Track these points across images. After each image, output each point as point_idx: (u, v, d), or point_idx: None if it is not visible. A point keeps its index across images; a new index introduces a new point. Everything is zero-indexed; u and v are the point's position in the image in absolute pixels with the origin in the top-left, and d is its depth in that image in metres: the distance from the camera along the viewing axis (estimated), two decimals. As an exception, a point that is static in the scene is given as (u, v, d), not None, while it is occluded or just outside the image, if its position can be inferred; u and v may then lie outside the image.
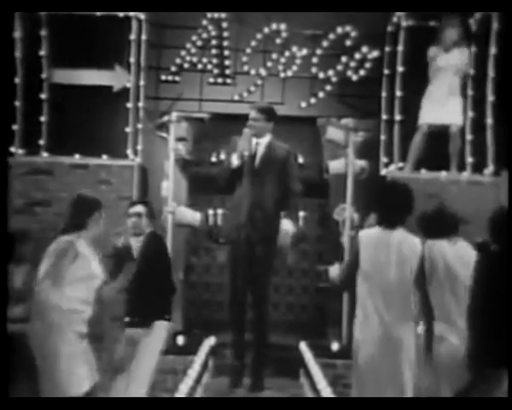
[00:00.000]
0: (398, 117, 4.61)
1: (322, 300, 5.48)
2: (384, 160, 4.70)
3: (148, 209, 3.17)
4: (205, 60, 4.91)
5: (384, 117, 4.70)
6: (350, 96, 4.88)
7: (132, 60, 4.59)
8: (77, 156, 4.50)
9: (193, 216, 4.96)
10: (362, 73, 4.90)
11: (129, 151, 4.58)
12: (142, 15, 4.55)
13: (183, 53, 4.90)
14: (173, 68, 4.92)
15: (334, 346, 4.17)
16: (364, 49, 4.87)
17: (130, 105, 4.60)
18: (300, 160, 5.48)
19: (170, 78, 4.93)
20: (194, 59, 4.91)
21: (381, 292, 2.28)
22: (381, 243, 2.32)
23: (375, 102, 4.77)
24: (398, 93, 4.60)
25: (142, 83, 4.63)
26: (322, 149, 5.23)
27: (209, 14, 4.89)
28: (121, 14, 4.47)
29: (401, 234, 2.33)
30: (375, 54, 4.86)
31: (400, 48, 4.59)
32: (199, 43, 4.89)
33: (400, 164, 4.62)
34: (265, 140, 3.31)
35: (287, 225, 3.19)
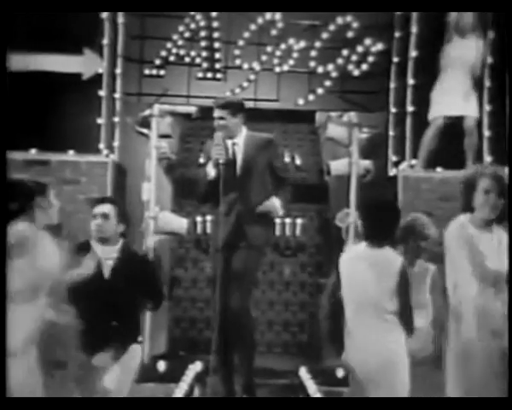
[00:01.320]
0: (410, 108, 4.06)
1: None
2: (393, 158, 4.10)
3: (118, 209, 2.64)
4: (193, 52, 4.43)
5: (393, 110, 4.12)
6: (351, 93, 4.41)
7: (106, 42, 3.98)
8: (33, 151, 3.82)
9: (179, 223, 4.31)
10: (364, 67, 4.42)
11: (101, 146, 3.91)
12: None
13: (168, 45, 4.41)
14: (158, 62, 4.42)
15: (340, 372, 3.49)
16: (368, 41, 4.42)
17: (102, 93, 4.00)
18: (297, 161, 4.86)
19: (154, 72, 4.43)
20: (181, 51, 4.42)
21: (363, 309, 2.21)
22: (360, 262, 2.28)
23: (379, 99, 4.21)
24: (411, 81, 4.04)
25: (118, 70, 4.01)
26: (322, 149, 4.62)
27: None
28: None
29: (382, 252, 2.28)
30: (379, 47, 4.38)
31: (414, 29, 4.03)
32: (186, 34, 4.41)
33: (413, 161, 4.02)
34: (241, 137, 2.91)
35: (274, 201, 2.92)
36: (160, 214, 4.20)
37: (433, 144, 3.97)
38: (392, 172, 4.21)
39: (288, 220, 4.85)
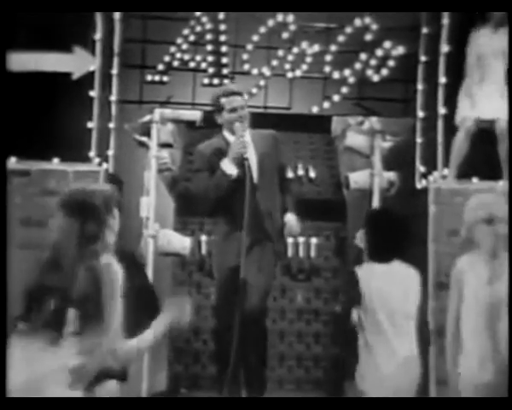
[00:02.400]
0: (442, 110, 3.54)
1: (341, 350, 4.16)
2: (421, 169, 3.56)
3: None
4: (198, 57, 4.06)
5: (421, 114, 3.61)
6: (370, 100, 3.91)
7: (98, 37, 3.56)
8: (13, 160, 3.36)
9: (181, 243, 3.76)
10: (384, 72, 4.00)
11: (92, 153, 3.42)
12: None
13: (172, 49, 4.04)
14: (161, 67, 4.04)
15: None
16: (387, 44, 3.96)
17: (94, 94, 3.54)
18: (312, 174, 4.34)
19: (157, 78, 4.04)
20: (186, 56, 4.06)
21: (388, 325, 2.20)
22: (382, 277, 2.27)
23: (404, 103, 3.71)
24: (443, 79, 3.55)
25: (114, 71, 3.56)
26: (339, 160, 4.10)
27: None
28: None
29: (398, 267, 2.29)
30: (400, 50, 3.92)
31: (445, 20, 3.56)
32: (191, 37, 4.05)
33: (445, 171, 3.48)
34: (248, 134, 2.64)
35: (291, 218, 2.66)
36: (160, 233, 3.67)
37: (464, 151, 3.45)
38: (420, 184, 3.67)
39: (301, 240, 4.30)
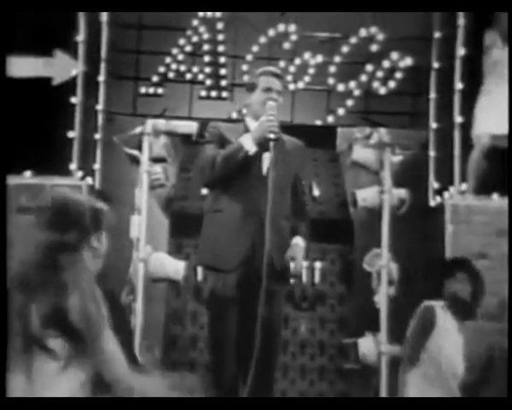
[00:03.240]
0: (458, 119, 3.22)
1: (348, 387, 3.72)
2: (435, 185, 3.22)
3: None
4: (195, 68, 3.83)
5: (434, 125, 3.29)
6: (377, 113, 3.62)
7: (81, 38, 3.29)
8: None
9: (175, 267, 3.36)
10: (392, 85, 3.74)
11: (73, 166, 3.09)
12: None
13: (167, 60, 3.81)
14: (155, 79, 3.79)
15: None
16: (394, 55, 3.67)
17: (75, 100, 3.23)
18: (315, 192, 3.99)
19: (151, 90, 3.80)
20: (182, 67, 3.82)
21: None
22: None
23: (415, 114, 3.41)
24: (459, 85, 3.23)
25: (101, 78, 3.27)
26: (344, 176, 3.76)
27: (201, 13, 3.73)
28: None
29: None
30: (408, 61, 3.64)
31: (461, 21, 3.28)
32: (188, 48, 3.83)
33: (463, 186, 3.13)
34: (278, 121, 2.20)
35: (297, 239, 2.20)
36: (152, 256, 3.29)
37: (481, 167, 3.11)
38: (434, 201, 3.31)
39: (304, 264, 3.90)
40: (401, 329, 2.88)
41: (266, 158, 2.08)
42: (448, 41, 3.49)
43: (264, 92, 2.11)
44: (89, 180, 3.21)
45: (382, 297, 3.19)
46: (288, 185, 2.16)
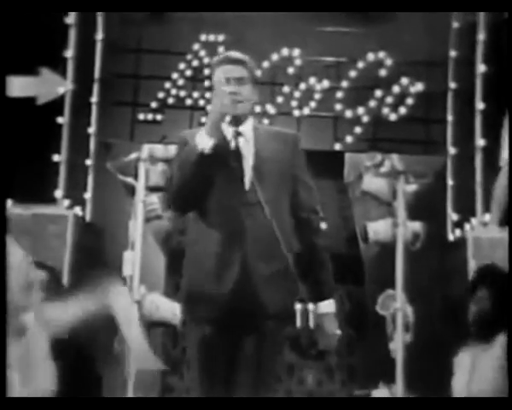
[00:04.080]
0: (480, 143, 2.92)
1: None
2: (454, 217, 2.90)
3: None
4: (196, 94, 3.61)
5: (452, 151, 3.01)
6: (387, 141, 3.36)
7: (70, 54, 3.04)
8: None
9: (171, 310, 3.04)
10: (402, 111, 3.53)
11: (59, 194, 2.80)
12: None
13: (167, 85, 3.61)
14: (154, 104, 3.58)
15: None
16: (404, 80, 3.45)
17: (62, 120, 2.97)
18: (322, 225, 3.66)
19: (149, 117, 3.58)
20: (182, 93, 3.61)
21: None
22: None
23: (430, 139, 3.15)
24: (480, 106, 2.95)
25: (94, 99, 3.04)
26: (353, 208, 3.44)
27: (202, 37, 3.57)
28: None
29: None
30: (419, 87, 3.43)
31: (481, 36, 3.03)
32: (188, 72, 3.63)
33: (486, 217, 2.80)
34: (248, 128, 1.63)
35: (326, 308, 1.62)
36: (147, 297, 2.96)
37: (508, 195, 2.78)
38: (453, 234, 2.98)
39: (310, 307, 3.49)
40: (419, 380, 2.52)
41: (247, 166, 1.51)
42: (465, 60, 3.25)
43: (222, 86, 1.56)
44: (77, 210, 2.90)
45: (398, 344, 2.84)
46: (286, 195, 1.56)
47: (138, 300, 2.92)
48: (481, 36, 3.12)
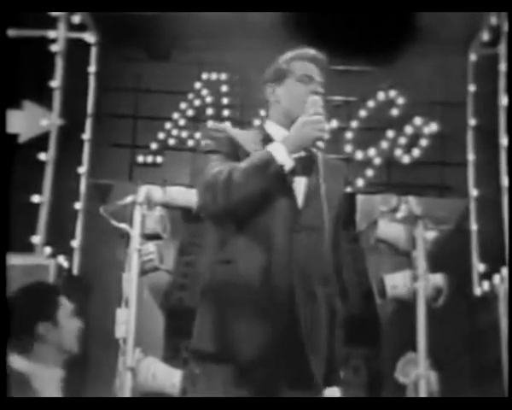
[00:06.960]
0: (505, 182, 2.62)
1: None
2: (480, 267, 2.55)
3: None
4: (198, 135, 3.42)
5: (475, 193, 2.69)
6: (401, 186, 3.10)
7: (56, 84, 2.78)
8: None
9: (169, 377, 2.66)
10: (416, 153, 3.29)
11: (37, 239, 2.47)
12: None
13: (168, 125, 3.42)
14: (154, 146, 3.38)
15: None
16: (418, 121, 3.23)
17: (45, 157, 2.71)
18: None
19: (149, 159, 3.37)
20: (184, 133, 3.42)
21: None
22: None
23: (449, 181, 2.86)
24: (505, 141, 2.70)
25: (87, 136, 2.82)
26: (367, 261, 3.09)
27: (204, 76, 3.41)
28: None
29: None
30: (433, 128, 3.20)
31: (502, 67, 2.82)
32: (190, 112, 3.45)
33: (522, 269, 2.45)
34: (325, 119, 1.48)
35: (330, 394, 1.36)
36: (143, 363, 2.58)
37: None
38: (480, 288, 2.60)
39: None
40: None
41: (301, 182, 1.35)
42: (485, 94, 3.00)
43: (301, 83, 1.39)
44: (61, 261, 2.58)
45: (422, 412, 2.41)
46: (339, 223, 1.42)
47: (133, 367, 2.53)
48: (503, 66, 2.88)
